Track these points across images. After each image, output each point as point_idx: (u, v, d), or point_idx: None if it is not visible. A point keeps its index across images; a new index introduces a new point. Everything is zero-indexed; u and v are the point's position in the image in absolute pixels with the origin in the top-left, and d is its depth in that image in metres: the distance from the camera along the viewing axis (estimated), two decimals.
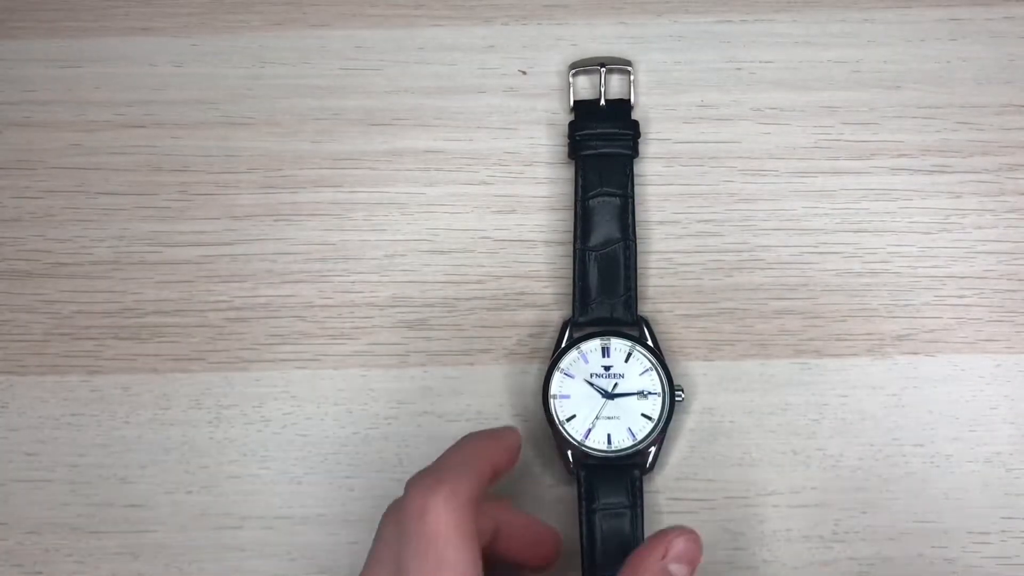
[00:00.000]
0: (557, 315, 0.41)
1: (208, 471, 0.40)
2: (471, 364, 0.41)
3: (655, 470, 0.40)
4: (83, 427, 0.41)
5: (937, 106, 0.43)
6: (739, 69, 0.44)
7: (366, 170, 0.43)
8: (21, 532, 0.40)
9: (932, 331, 0.41)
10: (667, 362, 0.39)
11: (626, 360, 0.39)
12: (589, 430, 0.38)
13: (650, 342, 0.39)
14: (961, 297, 0.41)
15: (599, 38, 0.44)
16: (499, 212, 0.43)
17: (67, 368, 0.42)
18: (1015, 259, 0.42)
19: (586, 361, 0.39)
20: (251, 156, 0.43)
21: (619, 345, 0.39)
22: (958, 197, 0.42)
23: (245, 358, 0.41)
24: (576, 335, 0.40)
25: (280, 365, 0.41)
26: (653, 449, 0.39)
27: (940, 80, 0.43)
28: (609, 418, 0.38)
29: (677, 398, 0.39)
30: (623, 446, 0.38)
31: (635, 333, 0.40)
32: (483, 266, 0.42)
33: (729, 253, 0.42)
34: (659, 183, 0.43)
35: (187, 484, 0.40)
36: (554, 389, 0.39)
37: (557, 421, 0.38)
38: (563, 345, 0.39)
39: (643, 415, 0.38)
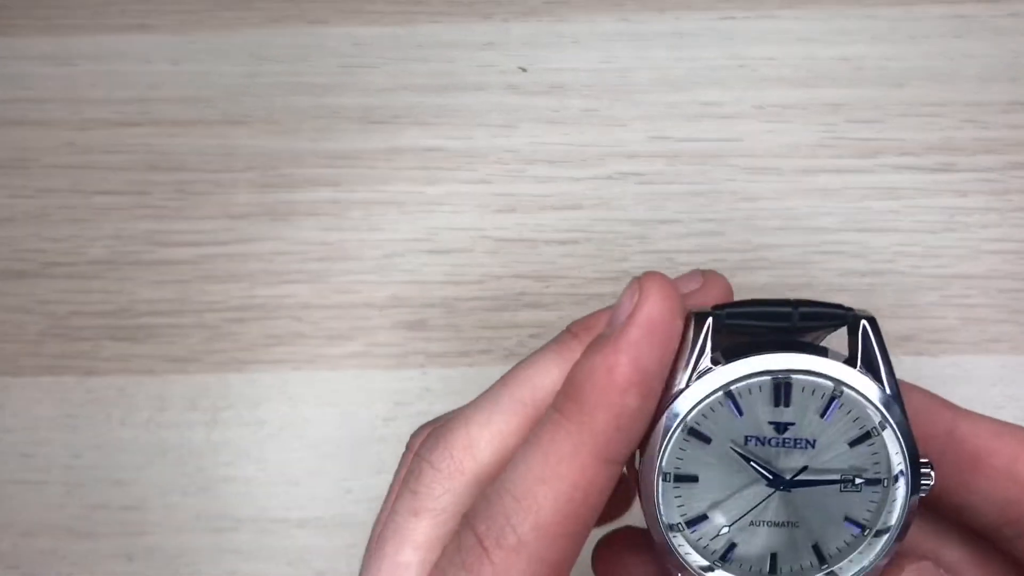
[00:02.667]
0: (557, 315, 0.41)
1: (204, 473, 0.40)
2: (470, 365, 0.41)
3: None
4: (78, 429, 0.41)
5: (942, 104, 0.43)
6: (742, 66, 0.43)
7: (364, 169, 0.43)
8: (16, 534, 0.40)
9: (937, 331, 0.41)
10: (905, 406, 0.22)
11: (824, 412, 0.21)
12: (731, 546, 0.21)
13: (881, 369, 0.22)
14: (966, 297, 0.41)
15: (600, 35, 0.44)
16: (499, 211, 0.42)
17: (62, 369, 0.41)
18: (1021, 258, 0.41)
19: (739, 412, 0.21)
20: (248, 155, 0.43)
21: (812, 384, 0.21)
22: (963, 196, 0.42)
23: (242, 359, 0.41)
24: (723, 348, 0.21)
25: (277, 366, 0.41)
26: None
27: (945, 77, 0.43)
28: (776, 524, 0.21)
29: (924, 485, 0.21)
30: None
31: (846, 351, 0.22)
32: (483, 266, 0.42)
33: (732, 252, 0.41)
34: (661, 181, 0.42)
35: (183, 486, 0.40)
36: (667, 461, 0.21)
37: (662, 526, 0.21)
38: (692, 371, 0.21)
39: (848, 520, 0.21)
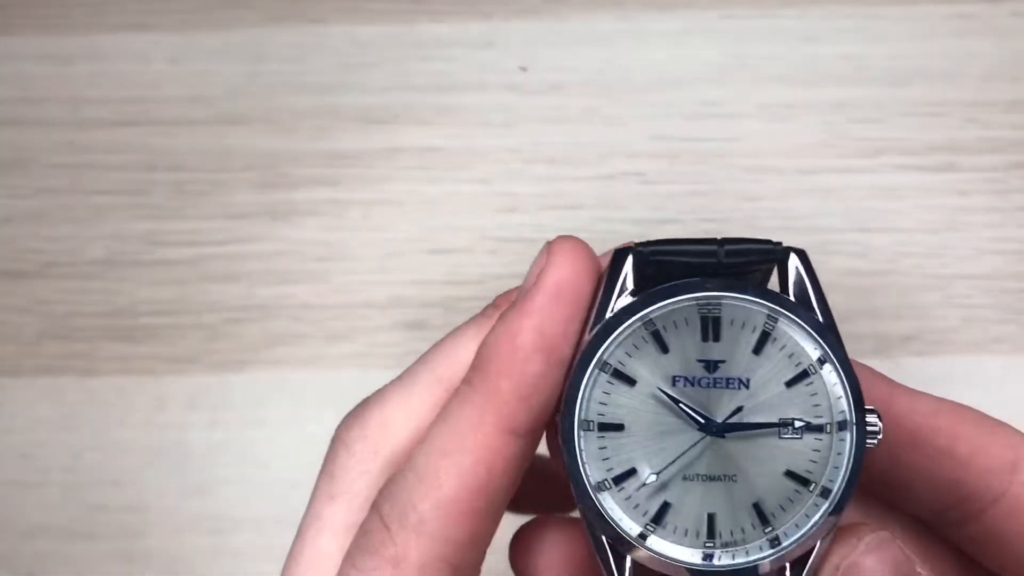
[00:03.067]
0: None
1: (203, 474, 0.40)
2: None
3: None
4: (77, 430, 0.41)
5: (944, 103, 0.43)
6: (743, 65, 0.43)
7: (364, 168, 0.43)
8: (14, 536, 0.40)
9: (939, 331, 0.40)
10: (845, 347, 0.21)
11: (757, 348, 0.20)
12: (664, 506, 0.19)
13: (814, 302, 0.20)
14: (968, 297, 0.41)
15: (600, 34, 0.44)
16: (499, 211, 0.42)
17: (61, 370, 0.41)
18: (1023, 258, 0.41)
19: (664, 349, 0.20)
20: (247, 154, 0.43)
21: (743, 312, 0.20)
22: (965, 195, 0.42)
23: (241, 359, 0.41)
24: (642, 284, 0.20)
25: (277, 366, 0.41)
26: (815, 550, 0.19)
27: (947, 77, 0.43)
28: (712, 478, 0.19)
29: (870, 436, 0.20)
30: (740, 544, 0.19)
31: (777, 287, 0.20)
32: (483, 266, 0.42)
33: None
34: (661, 181, 0.42)
35: (182, 487, 0.40)
36: (588, 407, 0.20)
37: (588, 485, 0.19)
38: (610, 306, 0.20)
39: (789, 474, 0.19)
